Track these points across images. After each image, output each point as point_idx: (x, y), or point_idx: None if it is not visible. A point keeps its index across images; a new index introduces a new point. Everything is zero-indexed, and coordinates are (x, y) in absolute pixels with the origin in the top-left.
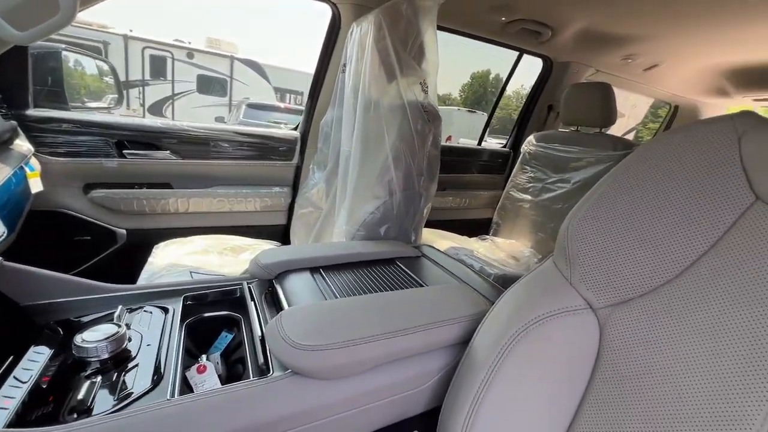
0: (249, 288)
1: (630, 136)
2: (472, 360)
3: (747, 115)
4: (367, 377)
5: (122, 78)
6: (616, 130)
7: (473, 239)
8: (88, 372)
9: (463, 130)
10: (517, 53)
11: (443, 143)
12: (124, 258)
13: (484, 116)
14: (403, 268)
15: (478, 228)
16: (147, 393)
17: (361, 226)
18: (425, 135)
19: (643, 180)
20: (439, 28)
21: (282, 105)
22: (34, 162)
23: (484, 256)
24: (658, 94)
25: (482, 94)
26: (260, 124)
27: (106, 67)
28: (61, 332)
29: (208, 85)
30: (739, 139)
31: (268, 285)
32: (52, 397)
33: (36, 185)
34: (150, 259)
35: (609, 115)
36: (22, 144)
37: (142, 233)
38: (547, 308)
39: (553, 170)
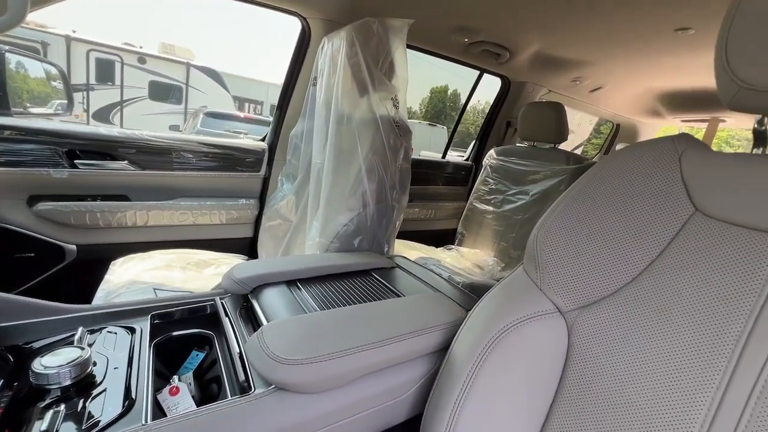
0: (222, 303)
1: (578, 151)
2: (452, 366)
3: (685, 137)
4: (351, 389)
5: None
6: (564, 145)
7: (440, 249)
8: (48, 401)
9: (423, 143)
10: (478, 72)
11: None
12: (74, 276)
13: (443, 129)
14: (379, 278)
15: (444, 238)
16: (118, 419)
17: (335, 238)
18: (397, 149)
19: (602, 193)
20: (410, 45)
21: (242, 114)
22: None
23: (451, 265)
24: (602, 113)
25: (441, 108)
26: (218, 134)
27: (54, 70)
28: (11, 359)
29: (162, 91)
30: (680, 158)
31: (243, 300)
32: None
33: None
34: (107, 277)
35: (562, 131)
36: None
37: (96, 249)
38: (520, 314)
39: (513, 182)
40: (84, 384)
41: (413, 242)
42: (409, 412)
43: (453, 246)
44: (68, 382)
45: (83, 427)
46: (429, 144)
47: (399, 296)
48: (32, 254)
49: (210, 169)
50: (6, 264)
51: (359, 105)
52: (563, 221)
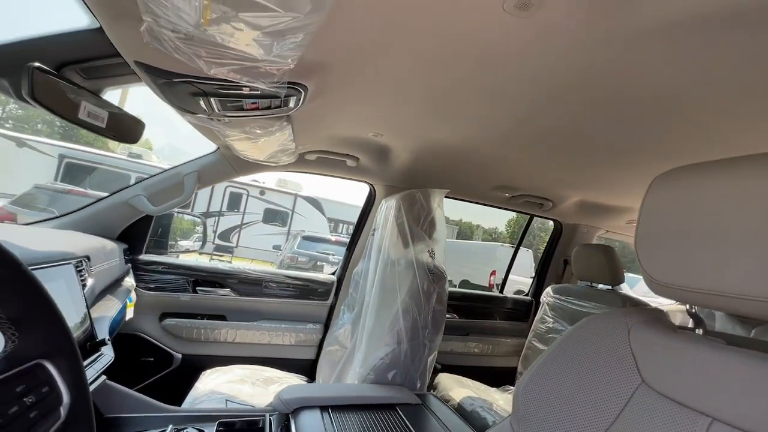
0: (270, 420)
1: None
2: None
3: (636, 311)
4: None
5: (204, 209)
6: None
7: (495, 389)
8: None
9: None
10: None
11: (488, 279)
12: (175, 380)
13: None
14: (402, 415)
15: (503, 377)
16: None
17: (371, 371)
18: (430, 293)
19: (569, 360)
20: (457, 198)
21: (333, 238)
22: (132, 295)
23: (502, 409)
24: None
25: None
26: (311, 255)
27: (198, 219)
28: None
29: (273, 216)
30: (629, 332)
31: (285, 419)
32: None
33: (130, 313)
34: (196, 384)
35: (615, 274)
36: (130, 281)
37: (194, 358)
38: None
39: (570, 323)
40: None
41: (467, 379)
42: None
43: (511, 386)
44: None
45: None
46: (515, 267)
47: None
48: (152, 359)
49: (288, 296)
50: (134, 364)
51: (402, 254)
52: (542, 381)
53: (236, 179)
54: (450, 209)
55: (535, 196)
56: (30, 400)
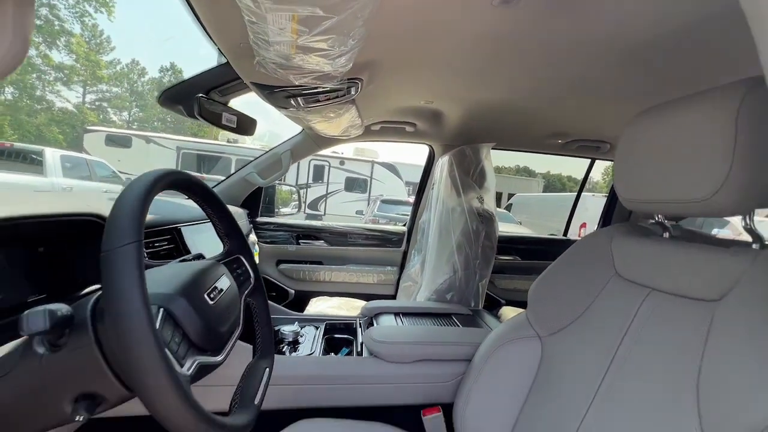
0: (359, 322)
1: None
2: (471, 367)
3: (622, 226)
4: (415, 365)
5: (292, 183)
6: None
7: None
8: (281, 344)
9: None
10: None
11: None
12: (291, 308)
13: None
14: (456, 321)
15: None
16: (311, 354)
17: (433, 293)
18: (479, 232)
19: (568, 261)
20: (511, 149)
21: (410, 199)
22: (256, 246)
23: None
24: None
25: None
26: (390, 217)
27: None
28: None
29: (353, 184)
30: (612, 239)
31: (369, 321)
32: None
33: (256, 260)
34: (307, 308)
35: None
36: (253, 237)
37: (303, 293)
38: (513, 335)
39: None
40: (295, 339)
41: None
42: (449, 396)
43: None
44: (291, 338)
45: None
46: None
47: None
48: (274, 293)
49: (369, 245)
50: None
51: (456, 203)
52: (547, 280)
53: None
54: (536, 162)
55: (589, 140)
56: (238, 271)
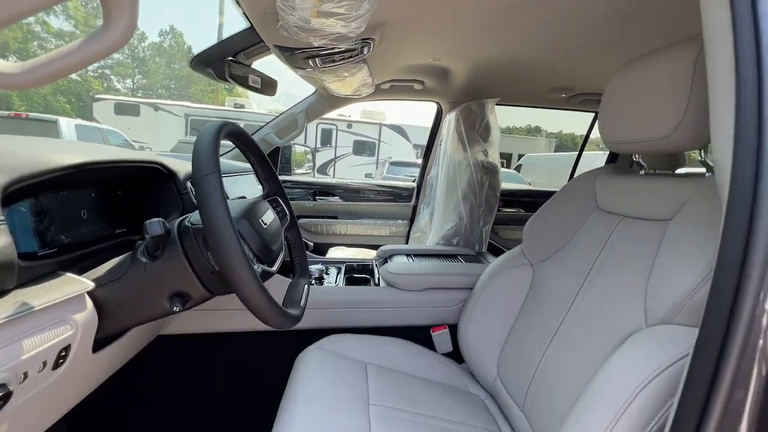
0: (374, 263)
1: None
2: (472, 293)
3: (608, 166)
4: (425, 292)
5: (301, 148)
6: None
7: None
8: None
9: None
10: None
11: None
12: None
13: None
14: (461, 260)
15: None
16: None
17: (441, 238)
18: (483, 182)
19: (558, 199)
20: (513, 104)
21: (418, 161)
22: None
23: None
24: None
25: None
26: (399, 178)
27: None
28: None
29: (362, 148)
30: (596, 177)
31: (383, 261)
32: None
33: None
34: (327, 256)
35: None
36: None
37: (320, 244)
38: (509, 264)
39: None
40: (320, 276)
41: None
42: (454, 318)
43: None
44: (317, 275)
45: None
46: None
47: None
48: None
49: (381, 200)
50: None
51: (462, 156)
52: (543, 215)
53: (326, 117)
54: (548, 122)
55: (592, 93)
56: (277, 209)
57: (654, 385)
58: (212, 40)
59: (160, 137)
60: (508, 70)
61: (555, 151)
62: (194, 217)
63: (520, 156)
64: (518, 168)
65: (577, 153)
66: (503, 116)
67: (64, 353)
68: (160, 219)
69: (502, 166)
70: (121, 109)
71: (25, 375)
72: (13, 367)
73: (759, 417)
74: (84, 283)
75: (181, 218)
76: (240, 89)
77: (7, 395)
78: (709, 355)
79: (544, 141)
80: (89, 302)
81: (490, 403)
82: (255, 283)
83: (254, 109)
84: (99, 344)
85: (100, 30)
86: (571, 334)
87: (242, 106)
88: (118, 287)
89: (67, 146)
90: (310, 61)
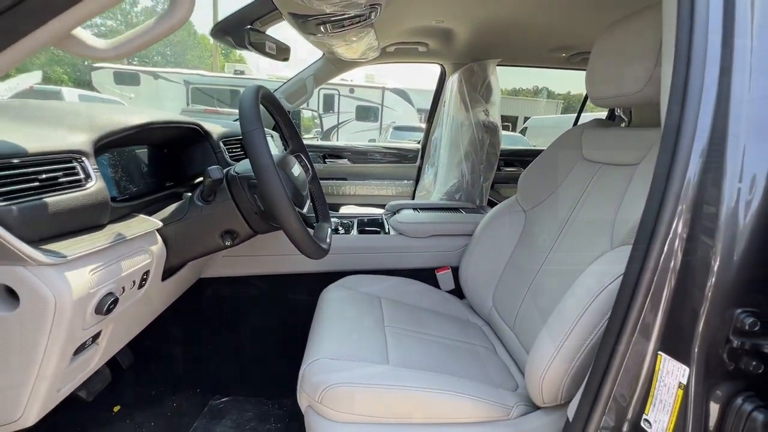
0: (384, 216)
1: None
2: (472, 239)
3: (595, 120)
4: (430, 239)
5: (308, 113)
6: None
7: None
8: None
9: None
10: None
11: None
12: None
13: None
14: (462, 212)
15: None
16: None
17: (444, 194)
18: (484, 141)
19: (549, 153)
20: (515, 65)
21: (423, 125)
22: None
23: None
24: None
25: None
26: (404, 143)
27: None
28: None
29: (365, 113)
30: (584, 130)
31: (392, 213)
32: None
33: None
34: (339, 212)
35: None
36: None
37: (331, 205)
38: (507, 210)
39: None
40: (335, 228)
41: None
42: (456, 261)
43: None
44: (333, 227)
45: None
46: None
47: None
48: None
49: (388, 162)
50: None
51: (465, 117)
52: (535, 166)
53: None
54: (556, 83)
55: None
56: (301, 164)
57: (607, 291)
58: (207, 4)
59: (161, 107)
60: (508, 30)
61: (563, 113)
62: (239, 167)
63: (526, 119)
64: (524, 131)
65: (586, 113)
66: (509, 78)
67: (145, 276)
68: (218, 166)
69: (507, 129)
70: (121, 78)
71: (123, 289)
72: (117, 280)
73: (668, 321)
74: (155, 222)
75: (227, 168)
76: (237, 54)
77: (115, 301)
78: (633, 270)
79: (550, 102)
80: (159, 238)
81: (487, 330)
82: (297, 219)
83: (254, 74)
84: (165, 274)
85: (168, 10)
86: (554, 264)
87: (242, 72)
88: (181, 226)
89: (131, 109)
90: (321, 27)
